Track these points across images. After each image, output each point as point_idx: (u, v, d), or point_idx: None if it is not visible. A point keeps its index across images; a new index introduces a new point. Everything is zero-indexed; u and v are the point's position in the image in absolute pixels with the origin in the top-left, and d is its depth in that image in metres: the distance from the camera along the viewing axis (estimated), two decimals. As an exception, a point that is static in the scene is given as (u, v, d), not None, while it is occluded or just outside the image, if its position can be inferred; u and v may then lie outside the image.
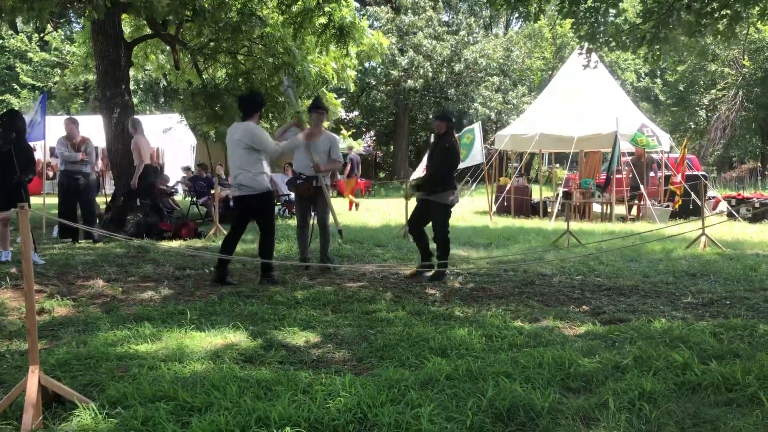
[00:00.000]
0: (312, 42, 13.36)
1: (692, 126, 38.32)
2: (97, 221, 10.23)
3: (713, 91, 36.27)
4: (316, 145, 7.45)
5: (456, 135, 7.27)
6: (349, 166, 18.12)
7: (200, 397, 3.33)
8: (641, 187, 14.82)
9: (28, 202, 5.98)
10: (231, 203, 13.51)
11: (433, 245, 7.25)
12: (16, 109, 15.76)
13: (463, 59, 30.74)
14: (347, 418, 3.11)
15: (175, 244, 9.69)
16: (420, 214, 7.30)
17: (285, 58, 12.82)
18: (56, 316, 5.28)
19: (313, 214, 7.77)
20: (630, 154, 16.00)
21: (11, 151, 7.37)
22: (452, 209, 7.27)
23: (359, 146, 30.28)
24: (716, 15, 6.93)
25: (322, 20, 12.93)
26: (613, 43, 7.76)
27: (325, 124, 7.79)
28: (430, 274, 7.15)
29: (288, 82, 8.12)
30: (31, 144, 8.97)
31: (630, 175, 15.48)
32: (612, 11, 7.83)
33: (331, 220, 7.72)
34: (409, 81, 30.25)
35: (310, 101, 8.95)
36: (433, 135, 7.74)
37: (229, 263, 6.87)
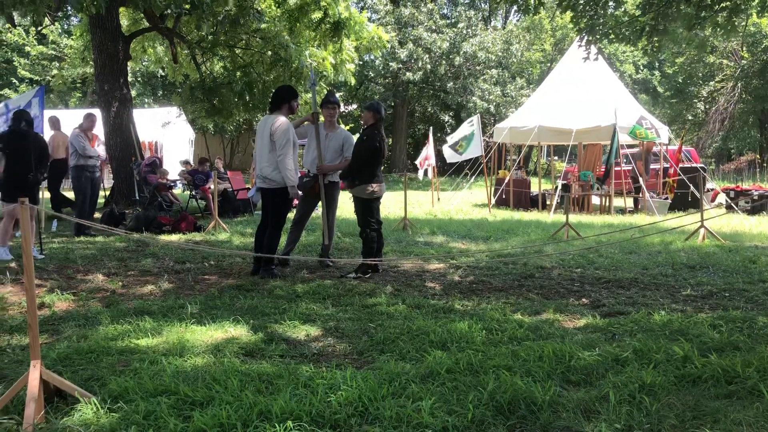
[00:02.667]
0: (309, 36, 13.33)
1: (690, 118, 38.35)
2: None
3: (712, 83, 36.26)
4: (329, 142, 7.24)
5: (382, 128, 6.94)
6: None
7: (201, 391, 3.34)
8: (639, 179, 14.83)
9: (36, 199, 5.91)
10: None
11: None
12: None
13: (462, 52, 30.68)
14: (348, 412, 3.12)
15: (174, 237, 9.68)
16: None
17: (282, 53, 12.81)
18: (57, 310, 5.29)
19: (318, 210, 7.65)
20: (630, 146, 16.00)
21: (28, 148, 7.39)
22: (377, 203, 6.97)
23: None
24: (716, 7, 6.91)
25: (318, 15, 12.90)
26: (612, 36, 7.73)
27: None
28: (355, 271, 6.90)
29: (313, 79, 8.01)
30: None
31: (632, 167, 15.50)
32: (611, 3, 7.80)
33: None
34: (408, 73, 30.19)
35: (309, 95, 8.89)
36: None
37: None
